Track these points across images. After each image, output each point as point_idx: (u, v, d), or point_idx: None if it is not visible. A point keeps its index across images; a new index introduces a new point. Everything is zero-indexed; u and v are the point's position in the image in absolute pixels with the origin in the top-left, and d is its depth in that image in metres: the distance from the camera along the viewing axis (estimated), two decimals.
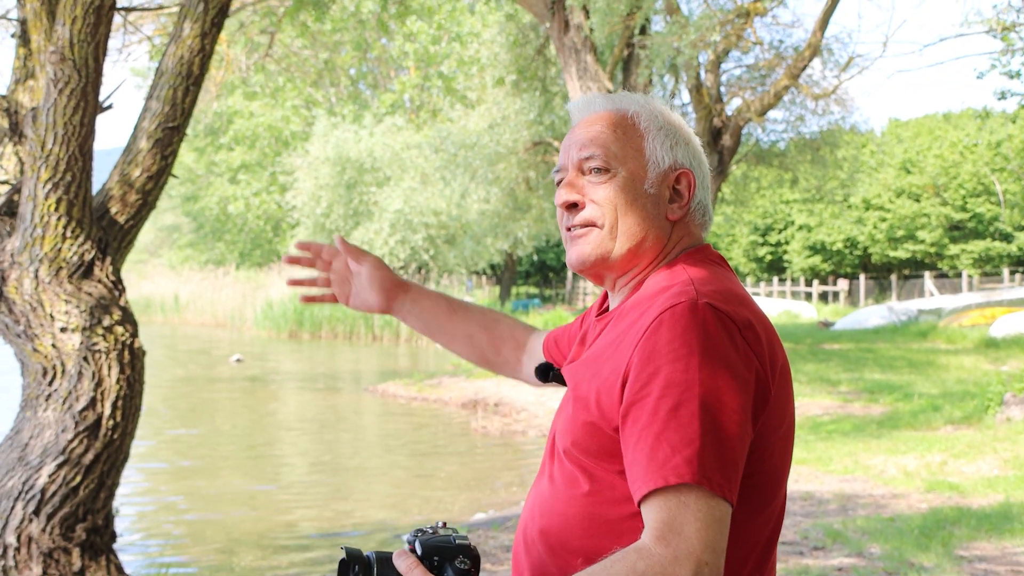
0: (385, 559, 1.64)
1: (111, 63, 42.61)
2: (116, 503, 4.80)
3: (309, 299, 2.43)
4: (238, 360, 23.43)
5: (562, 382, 1.82)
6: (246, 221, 48.98)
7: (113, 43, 15.50)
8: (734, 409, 1.53)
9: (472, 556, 1.64)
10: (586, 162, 1.81)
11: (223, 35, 18.74)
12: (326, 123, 41.28)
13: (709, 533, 1.46)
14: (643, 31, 20.08)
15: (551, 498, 1.73)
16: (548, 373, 1.88)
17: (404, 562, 1.61)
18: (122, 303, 4.68)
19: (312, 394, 18.25)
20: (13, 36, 5.13)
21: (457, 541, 1.65)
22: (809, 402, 14.13)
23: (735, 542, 1.59)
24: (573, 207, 1.81)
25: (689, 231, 1.84)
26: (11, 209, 4.63)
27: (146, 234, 58.25)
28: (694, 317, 1.57)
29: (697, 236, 1.85)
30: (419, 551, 1.63)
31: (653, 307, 1.63)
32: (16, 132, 4.72)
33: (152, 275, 46.99)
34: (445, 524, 1.72)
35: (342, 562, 1.64)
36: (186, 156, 49.97)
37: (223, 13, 4.83)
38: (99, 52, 4.44)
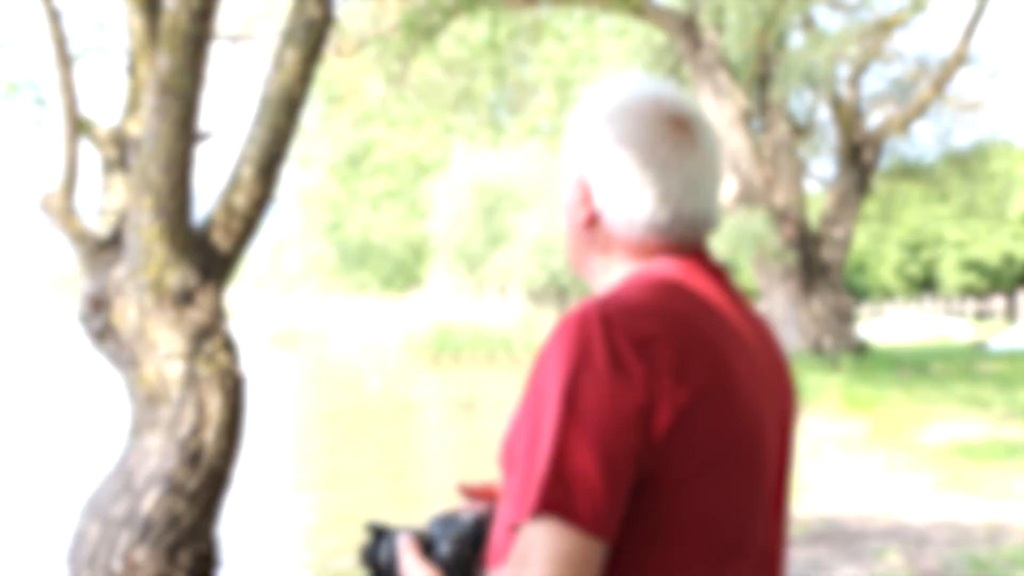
0: (394, 533, 1.70)
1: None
2: (219, 531, 4.80)
3: None
4: (377, 386, 23.73)
5: None
6: (388, 248, 49.80)
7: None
8: (603, 431, 1.35)
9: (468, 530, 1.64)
10: None
11: (360, 65, 19.10)
12: (464, 149, 41.69)
13: (554, 568, 1.32)
14: (779, 46, 19.68)
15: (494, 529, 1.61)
16: None
17: (402, 539, 1.64)
18: (224, 330, 4.70)
19: (448, 419, 18.32)
20: (127, 70, 5.24)
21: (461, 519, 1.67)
22: (958, 424, 13.49)
23: None
24: None
25: (611, 238, 1.58)
26: (118, 238, 4.70)
27: (293, 263, 59.75)
28: (578, 330, 1.39)
29: (640, 243, 1.56)
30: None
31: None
32: (124, 163, 4.81)
33: (298, 303, 48.12)
34: None
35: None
36: (328, 185, 51.14)
37: (323, 39, 4.82)
38: (198, 81, 4.47)
